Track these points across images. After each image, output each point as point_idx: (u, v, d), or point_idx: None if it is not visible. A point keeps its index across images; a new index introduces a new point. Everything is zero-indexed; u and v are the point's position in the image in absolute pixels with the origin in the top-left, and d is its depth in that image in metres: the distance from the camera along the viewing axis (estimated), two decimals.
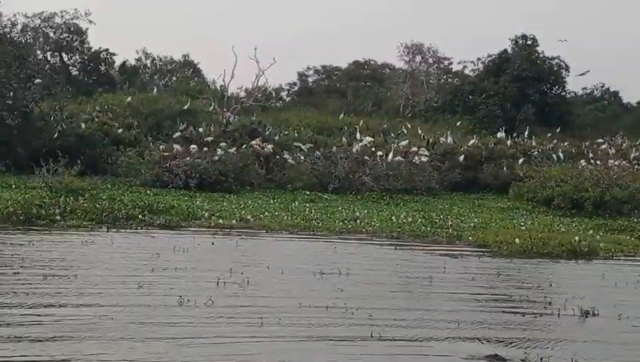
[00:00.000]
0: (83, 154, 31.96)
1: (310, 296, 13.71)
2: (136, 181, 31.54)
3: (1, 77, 33.29)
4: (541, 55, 54.84)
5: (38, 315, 11.51)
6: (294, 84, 64.13)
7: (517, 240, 20.88)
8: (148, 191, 29.26)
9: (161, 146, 32.97)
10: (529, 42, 55.20)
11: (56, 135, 34.29)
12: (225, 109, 43.33)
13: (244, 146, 34.64)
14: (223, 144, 33.81)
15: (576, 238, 21.70)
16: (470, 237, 22.54)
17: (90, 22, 52.62)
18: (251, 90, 48.06)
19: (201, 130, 36.56)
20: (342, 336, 11.22)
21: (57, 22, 53.55)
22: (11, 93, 33.30)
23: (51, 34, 54.42)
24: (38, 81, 36.04)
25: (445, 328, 11.95)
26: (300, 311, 12.51)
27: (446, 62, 63.51)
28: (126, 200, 25.93)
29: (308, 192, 31.97)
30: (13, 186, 27.95)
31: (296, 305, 12.79)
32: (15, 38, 36.85)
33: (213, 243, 19.66)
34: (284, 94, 63.99)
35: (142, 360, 9.61)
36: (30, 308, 11.94)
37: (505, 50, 55.11)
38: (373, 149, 35.83)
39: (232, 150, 33.64)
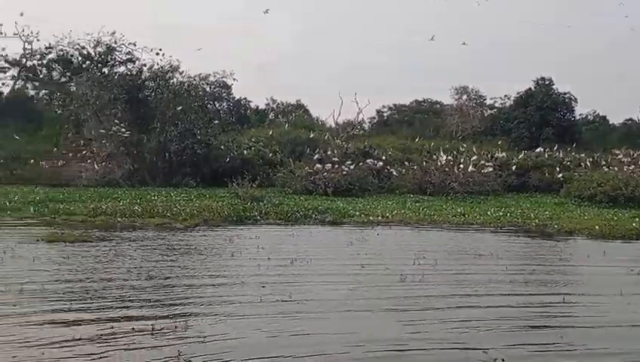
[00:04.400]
0: (246, 173, 31.91)
1: (484, 269, 13.50)
2: (289, 190, 31.52)
3: (192, 120, 33.62)
4: (556, 91, 53.72)
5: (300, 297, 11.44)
6: (374, 117, 63.75)
7: (597, 227, 20.35)
8: (301, 198, 29.09)
9: (306, 168, 32.82)
10: (547, 82, 54.20)
11: (228, 159, 34.49)
12: (334, 137, 43.17)
13: (360, 164, 34.43)
14: (348, 162, 33.65)
15: (634, 224, 21.11)
16: (555, 226, 21.89)
17: (234, 79, 52.89)
18: (353, 122, 48.08)
19: (329, 153, 36.42)
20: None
21: (211, 80, 53.90)
22: (199, 131, 33.62)
23: (207, 88, 54.77)
24: (216, 122, 36.45)
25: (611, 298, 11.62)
26: (490, 282, 12.29)
27: (481, 99, 62.83)
28: (291, 204, 25.80)
29: (412, 195, 31.63)
30: (207, 196, 28.02)
31: (486, 279, 12.56)
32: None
33: (378, 234, 19.44)
34: (365, 125, 63.53)
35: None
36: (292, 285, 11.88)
37: (529, 88, 54.22)
38: (451, 163, 35.37)
39: (352, 166, 33.50)
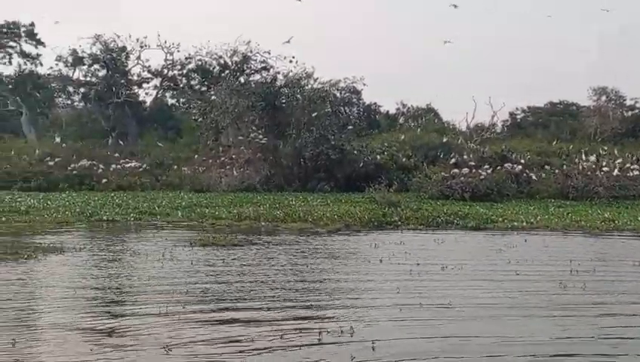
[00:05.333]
0: (381, 178, 31.82)
1: None
2: (425, 195, 31.24)
3: (326, 126, 34.06)
4: None
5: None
6: (506, 120, 62.17)
7: None
8: (438, 202, 28.71)
9: (441, 172, 32.38)
10: None
11: (361, 164, 34.66)
12: (468, 141, 42.56)
13: (498, 168, 33.60)
14: (485, 166, 32.94)
15: None
16: None
17: (364, 84, 52.95)
18: (485, 125, 47.24)
19: (465, 157, 35.82)
20: None
21: (341, 85, 54.19)
22: (332, 136, 34.01)
23: (337, 94, 55.23)
24: (350, 127, 36.75)
25: None
26: None
27: (622, 99, 59.95)
28: (430, 208, 25.43)
29: (552, 200, 30.55)
30: (344, 201, 28.23)
31: None
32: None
33: (525, 241, 18.77)
34: (497, 128, 62.06)
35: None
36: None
37: None
38: (593, 166, 33.90)
39: (490, 171, 32.75)
